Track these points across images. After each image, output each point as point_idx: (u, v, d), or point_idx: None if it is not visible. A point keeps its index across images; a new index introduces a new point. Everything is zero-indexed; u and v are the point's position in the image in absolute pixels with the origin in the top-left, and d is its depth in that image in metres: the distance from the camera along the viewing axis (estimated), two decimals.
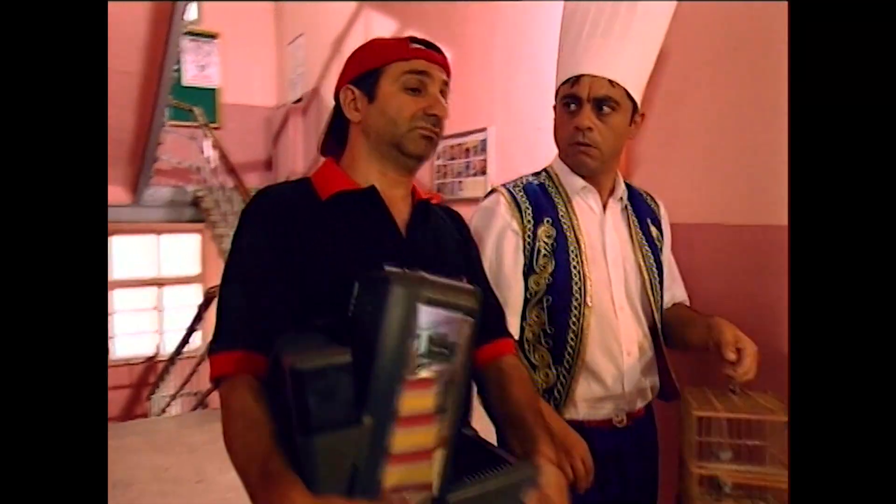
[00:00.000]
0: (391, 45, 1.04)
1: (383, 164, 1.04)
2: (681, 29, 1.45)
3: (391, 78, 1.01)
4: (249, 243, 0.97)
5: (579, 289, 1.25)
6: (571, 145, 1.29)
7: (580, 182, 1.32)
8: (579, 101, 1.26)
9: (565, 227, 1.29)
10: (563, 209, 1.31)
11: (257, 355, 0.88)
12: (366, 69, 1.02)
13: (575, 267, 1.26)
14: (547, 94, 1.41)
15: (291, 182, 1.09)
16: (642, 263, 1.35)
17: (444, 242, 1.10)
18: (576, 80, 1.27)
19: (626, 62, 1.27)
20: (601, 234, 1.33)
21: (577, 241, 1.28)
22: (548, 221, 1.29)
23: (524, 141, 3.08)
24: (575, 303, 1.24)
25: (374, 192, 1.02)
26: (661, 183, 1.69)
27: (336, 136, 1.10)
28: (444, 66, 1.04)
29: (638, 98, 1.30)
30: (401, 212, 1.04)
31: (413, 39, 1.03)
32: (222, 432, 0.86)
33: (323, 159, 1.11)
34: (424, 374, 0.71)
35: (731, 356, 1.15)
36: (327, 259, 0.95)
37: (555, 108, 1.36)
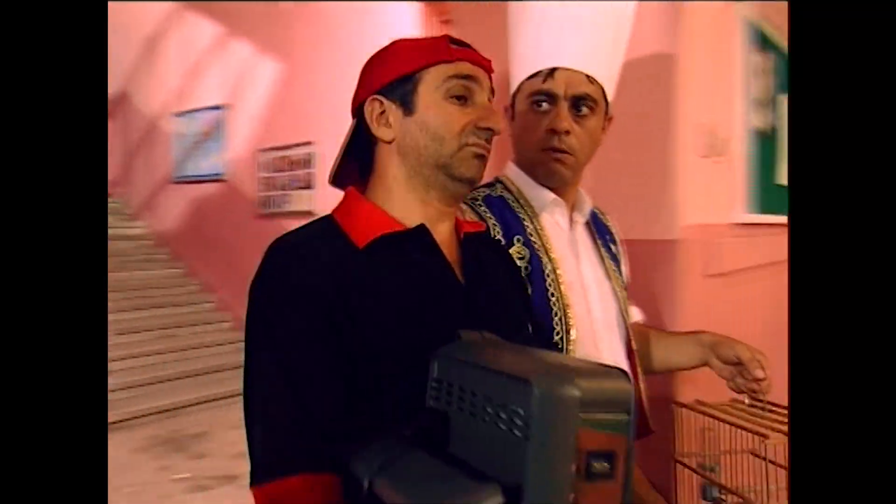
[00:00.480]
0: (428, 46, 0.84)
1: (426, 193, 0.83)
2: None
3: (432, 84, 0.82)
4: (287, 330, 0.73)
5: (560, 320, 1.07)
6: (544, 151, 1.10)
7: (549, 195, 1.12)
8: (554, 98, 1.08)
9: (536, 247, 1.09)
10: (531, 226, 1.10)
11: (325, 477, 0.69)
12: (398, 75, 0.82)
13: (553, 294, 1.07)
14: None
15: (313, 227, 0.84)
16: (616, 286, 1.20)
17: (499, 280, 0.94)
18: (549, 73, 1.08)
19: (604, 57, 1.12)
20: (574, 254, 1.16)
21: (552, 264, 1.09)
22: (518, 240, 1.08)
23: None
24: (556, 337, 1.06)
25: (426, 232, 0.82)
26: None
27: (356, 161, 0.89)
28: (490, 71, 0.86)
29: (611, 99, 1.16)
30: (451, 251, 0.85)
31: (451, 40, 0.85)
32: None
33: (344, 191, 0.89)
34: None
35: (761, 373, 1.09)
36: (383, 332, 0.75)
37: (511, 108, 1.17)
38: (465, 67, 0.81)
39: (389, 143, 0.83)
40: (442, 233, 0.84)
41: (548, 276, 1.08)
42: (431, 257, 0.82)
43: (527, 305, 1.00)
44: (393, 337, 0.74)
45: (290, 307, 0.73)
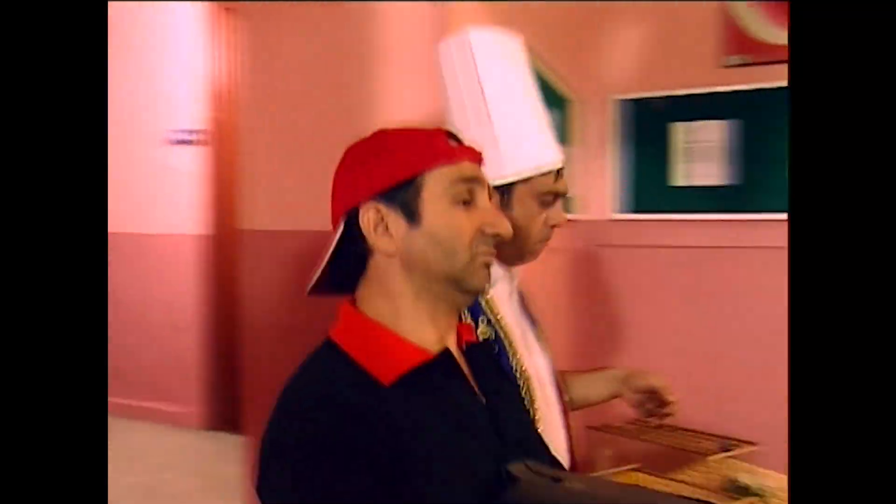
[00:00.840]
0: (427, 145, 0.76)
1: (435, 307, 0.76)
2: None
3: (437, 190, 0.74)
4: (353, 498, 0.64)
5: (527, 393, 1.05)
6: (541, 242, 1.14)
7: (499, 270, 1.08)
8: (557, 196, 1.12)
9: (494, 324, 1.06)
10: (484, 303, 1.06)
11: None
12: (398, 181, 0.73)
13: (517, 370, 1.05)
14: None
15: (326, 366, 0.75)
16: (544, 342, 1.21)
17: (502, 384, 0.89)
18: (558, 173, 1.11)
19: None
20: (518, 324, 1.14)
21: (510, 339, 1.07)
22: (482, 321, 1.04)
23: None
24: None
25: (450, 356, 0.75)
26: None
27: (342, 270, 0.79)
28: (483, 164, 0.80)
29: None
30: (462, 366, 0.79)
31: (448, 134, 0.78)
32: None
33: (340, 304, 0.80)
34: None
35: (673, 397, 1.21)
36: (431, 477, 0.67)
37: (507, 197, 1.10)
38: (468, 168, 0.75)
39: (391, 256, 0.74)
40: (452, 348, 0.77)
41: (511, 354, 1.06)
42: (456, 381, 0.76)
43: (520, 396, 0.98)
44: (440, 480, 0.67)
45: (329, 467, 0.63)
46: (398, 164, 0.74)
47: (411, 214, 0.73)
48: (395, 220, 0.73)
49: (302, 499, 0.64)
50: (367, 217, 0.73)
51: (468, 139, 0.83)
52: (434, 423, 0.70)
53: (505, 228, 0.75)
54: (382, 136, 0.79)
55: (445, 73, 1.16)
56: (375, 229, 0.73)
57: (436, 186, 0.73)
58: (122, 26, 3.67)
